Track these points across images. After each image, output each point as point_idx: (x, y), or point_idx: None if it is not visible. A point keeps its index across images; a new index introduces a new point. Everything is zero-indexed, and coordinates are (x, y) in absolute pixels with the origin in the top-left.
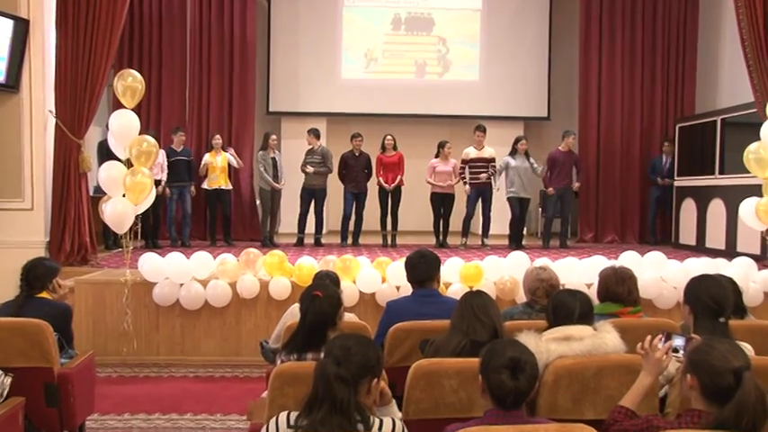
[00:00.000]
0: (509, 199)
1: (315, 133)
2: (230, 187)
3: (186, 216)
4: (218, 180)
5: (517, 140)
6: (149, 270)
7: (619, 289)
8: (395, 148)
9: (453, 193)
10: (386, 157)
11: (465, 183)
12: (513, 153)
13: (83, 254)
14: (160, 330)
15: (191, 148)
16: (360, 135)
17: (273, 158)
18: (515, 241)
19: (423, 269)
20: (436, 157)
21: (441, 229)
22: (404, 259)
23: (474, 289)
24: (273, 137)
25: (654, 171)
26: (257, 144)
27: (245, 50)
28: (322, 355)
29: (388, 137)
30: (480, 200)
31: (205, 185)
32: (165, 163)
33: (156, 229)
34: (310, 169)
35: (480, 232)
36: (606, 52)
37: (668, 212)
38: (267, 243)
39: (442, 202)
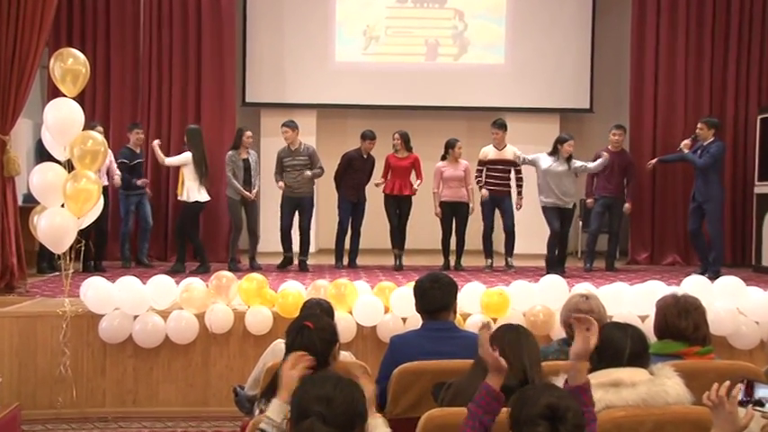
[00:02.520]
0: (544, 210)
1: (293, 126)
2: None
3: (146, 230)
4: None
5: (562, 141)
6: (95, 299)
7: (682, 323)
8: (408, 148)
9: (467, 202)
10: (395, 158)
11: (480, 186)
12: (554, 153)
13: (8, 279)
14: (107, 375)
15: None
16: (373, 136)
17: (246, 160)
18: (556, 265)
19: (436, 297)
20: (443, 159)
21: (451, 248)
22: (412, 284)
23: (511, 323)
24: (248, 133)
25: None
26: None
27: (221, 26)
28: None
29: (396, 135)
30: (498, 211)
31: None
32: (114, 165)
33: (102, 247)
34: (308, 173)
35: (504, 251)
36: (665, 28)
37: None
38: (233, 267)
39: (453, 214)
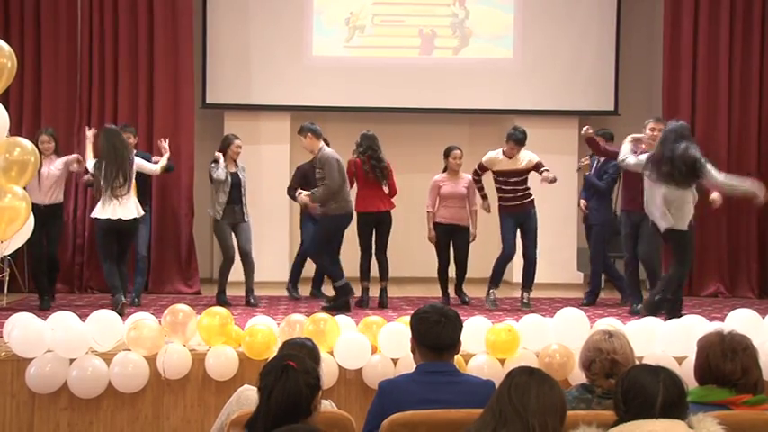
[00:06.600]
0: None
1: (315, 132)
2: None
3: (140, 258)
4: None
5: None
6: (22, 339)
7: (728, 366)
8: (360, 151)
9: (467, 226)
10: None
11: (482, 195)
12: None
13: None
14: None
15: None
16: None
17: (235, 174)
18: (654, 305)
19: (445, 333)
20: (444, 171)
21: (447, 277)
22: (404, 319)
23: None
24: (237, 142)
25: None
26: (201, 149)
27: (176, 13)
28: None
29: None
30: (520, 231)
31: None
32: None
33: (53, 273)
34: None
35: (520, 282)
36: (705, 16)
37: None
38: (222, 300)
39: (449, 239)
